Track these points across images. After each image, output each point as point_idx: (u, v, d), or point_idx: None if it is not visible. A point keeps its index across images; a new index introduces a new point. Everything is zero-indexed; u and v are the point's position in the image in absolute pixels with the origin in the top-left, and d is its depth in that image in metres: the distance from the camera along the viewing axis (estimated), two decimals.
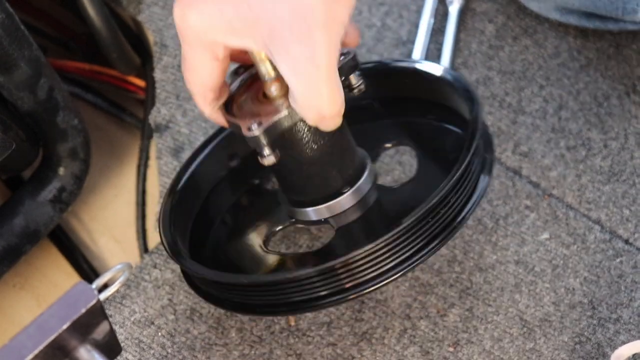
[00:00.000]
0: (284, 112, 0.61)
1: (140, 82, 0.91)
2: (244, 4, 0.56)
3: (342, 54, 0.62)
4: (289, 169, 0.66)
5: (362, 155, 0.69)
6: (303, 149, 0.64)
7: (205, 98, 0.63)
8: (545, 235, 0.78)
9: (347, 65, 0.63)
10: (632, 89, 0.84)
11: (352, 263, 0.62)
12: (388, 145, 0.77)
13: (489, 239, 0.78)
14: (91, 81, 0.94)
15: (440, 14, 0.89)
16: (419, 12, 0.89)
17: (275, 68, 0.60)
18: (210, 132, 0.84)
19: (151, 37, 0.90)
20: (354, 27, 0.64)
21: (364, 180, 0.68)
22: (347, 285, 0.63)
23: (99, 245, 0.90)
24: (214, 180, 0.75)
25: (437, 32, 0.88)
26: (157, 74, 0.87)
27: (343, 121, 0.62)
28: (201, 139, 0.84)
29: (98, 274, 0.86)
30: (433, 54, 0.87)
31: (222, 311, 0.76)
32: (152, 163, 0.87)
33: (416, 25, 0.88)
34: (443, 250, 0.77)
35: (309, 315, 0.74)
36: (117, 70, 0.91)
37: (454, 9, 0.89)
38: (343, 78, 0.62)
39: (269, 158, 0.61)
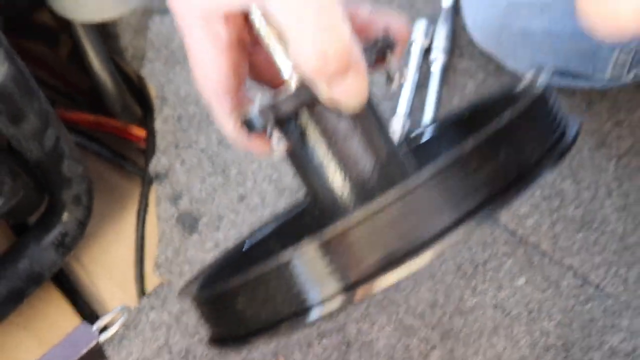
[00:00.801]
0: (297, 83, 0.46)
1: (142, 133, 0.91)
2: None
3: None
4: (306, 167, 0.48)
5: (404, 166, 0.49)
6: (324, 138, 0.47)
7: (220, 105, 0.50)
8: (522, 281, 0.78)
9: (382, 44, 0.47)
10: (602, 142, 0.85)
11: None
12: None
13: (469, 284, 0.78)
14: (95, 131, 0.93)
15: (424, 70, 0.90)
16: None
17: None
18: (207, 180, 0.84)
19: (152, 90, 0.90)
20: (400, 19, 0.50)
21: None
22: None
23: (99, 287, 0.88)
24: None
25: (421, 87, 0.89)
26: (158, 125, 0.88)
27: (375, 112, 0.47)
28: (198, 187, 0.84)
29: (98, 315, 0.84)
30: (417, 107, 0.88)
31: (216, 352, 0.75)
32: (152, 209, 0.87)
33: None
34: (425, 294, 0.77)
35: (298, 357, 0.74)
36: (120, 121, 0.90)
37: (437, 66, 0.90)
38: (375, 57, 0.47)
39: (278, 145, 0.46)
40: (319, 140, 0.47)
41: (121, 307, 0.54)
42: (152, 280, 0.83)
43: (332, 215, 0.47)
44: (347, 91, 0.45)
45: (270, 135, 0.46)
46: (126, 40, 0.92)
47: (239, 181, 0.85)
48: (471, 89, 0.89)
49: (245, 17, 0.49)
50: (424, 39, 0.91)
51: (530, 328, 0.76)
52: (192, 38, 0.49)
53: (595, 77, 0.83)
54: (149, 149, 0.88)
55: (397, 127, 0.86)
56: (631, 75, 0.84)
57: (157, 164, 0.86)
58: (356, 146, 0.46)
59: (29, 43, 0.96)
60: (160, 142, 0.87)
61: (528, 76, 0.51)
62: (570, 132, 0.46)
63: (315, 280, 0.41)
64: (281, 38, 0.46)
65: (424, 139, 0.60)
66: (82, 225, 0.81)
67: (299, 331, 0.45)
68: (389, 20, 0.50)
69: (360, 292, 0.40)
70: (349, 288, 0.41)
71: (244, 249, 0.60)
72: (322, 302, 0.41)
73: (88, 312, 0.86)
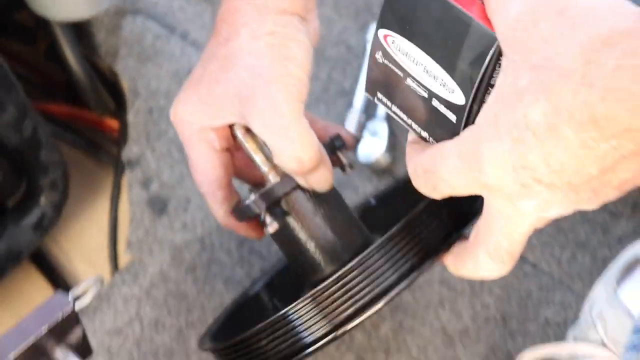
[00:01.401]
0: (277, 179, 0.57)
1: (115, 124, 0.92)
2: (214, 82, 0.56)
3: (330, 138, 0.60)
4: (291, 242, 0.60)
5: (367, 236, 0.62)
6: (301, 219, 0.58)
7: (214, 197, 0.59)
8: None
9: (334, 143, 0.60)
10: None
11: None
12: None
13: None
14: (71, 122, 0.94)
15: None
16: (359, 67, 0.91)
17: (269, 158, 0.57)
18: (176, 167, 0.86)
19: (125, 84, 0.91)
20: (346, 130, 0.63)
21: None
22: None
23: (75, 266, 0.89)
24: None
25: None
26: (130, 117, 0.89)
27: (338, 194, 0.59)
28: (167, 173, 0.85)
29: None
30: (372, 103, 0.90)
31: (184, 322, 0.77)
32: (124, 195, 0.88)
33: (357, 79, 0.90)
34: None
35: None
36: (94, 113, 0.91)
37: None
38: (330, 153, 0.59)
39: (271, 225, 0.57)
40: (298, 219, 0.58)
41: (94, 278, 0.56)
42: (124, 260, 0.84)
43: (311, 274, 0.60)
44: (318, 180, 0.56)
45: (264, 219, 0.57)
46: (100, 37, 0.93)
47: None
48: None
49: (231, 129, 0.58)
50: (380, 12, 0.93)
51: (472, 302, 0.78)
52: (191, 146, 0.59)
53: None
54: (121, 138, 0.89)
55: (352, 120, 0.88)
56: None
57: (129, 152, 0.87)
58: (325, 221, 0.59)
59: (8, 41, 0.97)
60: (132, 132, 0.88)
61: None
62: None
63: (309, 324, 0.54)
64: (259, 147, 0.58)
65: (371, 204, 0.74)
66: (58, 209, 0.83)
67: None
68: (338, 129, 0.62)
69: (340, 332, 0.54)
70: (333, 329, 0.54)
71: (244, 301, 0.71)
72: (317, 340, 0.54)
73: (65, 289, 0.87)
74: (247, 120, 0.56)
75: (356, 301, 0.53)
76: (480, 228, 0.47)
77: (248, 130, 0.58)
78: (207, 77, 0.57)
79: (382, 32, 0.47)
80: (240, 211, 0.59)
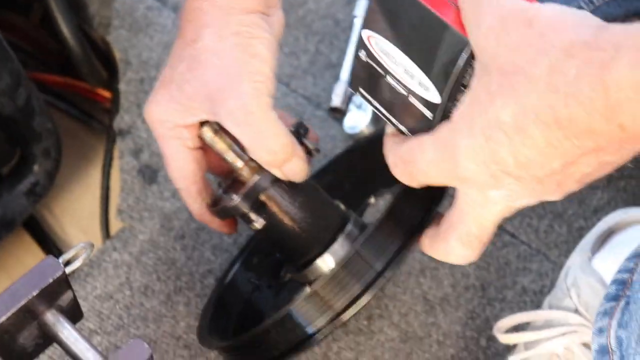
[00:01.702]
0: (256, 177, 0.59)
1: (107, 93, 0.92)
2: (183, 82, 0.57)
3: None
4: (277, 232, 0.62)
5: (343, 213, 0.64)
6: (283, 210, 0.60)
7: (189, 192, 0.61)
8: None
9: (298, 131, 0.62)
10: None
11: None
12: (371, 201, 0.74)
13: None
14: (64, 92, 0.94)
15: None
16: (346, 40, 0.91)
17: (240, 155, 0.59)
18: None
19: (117, 54, 0.90)
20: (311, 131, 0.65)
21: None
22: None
23: (68, 233, 0.89)
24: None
25: None
26: (122, 87, 0.89)
27: (314, 182, 0.61)
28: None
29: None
30: None
31: (172, 288, 0.78)
32: (115, 163, 0.88)
33: (344, 51, 0.90)
34: None
35: None
36: (87, 82, 0.91)
37: None
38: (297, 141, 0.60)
39: (258, 222, 0.59)
40: (279, 210, 0.60)
41: (84, 243, 0.56)
42: (116, 227, 0.85)
43: (295, 259, 0.62)
44: (294, 170, 0.58)
45: (249, 218, 0.59)
46: (93, 9, 0.92)
47: None
48: None
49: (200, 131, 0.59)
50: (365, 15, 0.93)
51: (452, 270, 0.79)
52: (164, 144, 0.60)
53: None
54: (113, 108, 0.89)
55: (339, 92, 0.88)
56: None
57: (121, 121, 0.87)
58: (303, 208, 0.60)
59: (3, 11, 0.96)
60: (124, 102, 0.88)
61: None
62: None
63: (311, 318, 0.56)
64: (228, 146, 0.59)
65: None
66: (51, 176, 0.83)
67: (308, 351, 0.61)
68: (297, 119, 0.63)
69: (337, 323, 0.56)
70: (332, 320, 0.56)
71: (226, 282, 0.72)
72: (319, 329, 0.56)
73: (57, 255, 0.87)
74: (218, 119, 0.57)
75: (351, 291, 0.56)
76: (452, 216, 0.50)
77: (216, 132, 0.59)
78: (177, 78, 0.58)
79: (366, 32, 0.49)
80: (224, 211, 0.60)
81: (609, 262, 0.69)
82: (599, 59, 0.39)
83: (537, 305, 0.78)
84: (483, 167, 0.45)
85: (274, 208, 0.60)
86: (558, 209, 0.82)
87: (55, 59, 0.96)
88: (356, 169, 0.75)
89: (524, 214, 0.82)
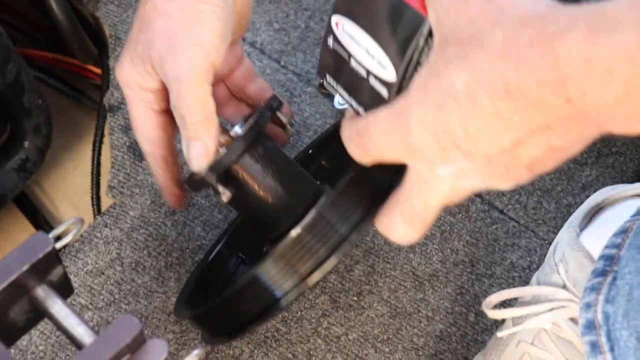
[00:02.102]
0: (223, 150, 0.58)
1: (97, 70, 0.91)
2: (137, 43, 0.57)
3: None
4: (249, 205, 0.61)
5: (317, 186, 0.63)
6: (254, 181, 0.60)
7: (154, 156, 0.61)
8: None
9: (271, 105, 0.62)
10: None
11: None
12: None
13: None
14: (54, 68, 0.93)
15: None
16: None
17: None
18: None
19: (107, 30, 0.89)
20: (286, 106, 0.65)
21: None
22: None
23: (59, 210, 0.89)
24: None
25: None
26: (112, 63, 0.88)
27: (283, 153, 0.61)
28: None
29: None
30: None
31: (163, 264, 0.78)
32: (106, 140, 0.87)
33: None
34: None
35: None
36: (77, 59, 0.90)
37: None
38: (270, 114, 0.61)
39: (224, 195, 0.58)
40: (250, 182, 0.59)
41: (74, 219, 0.55)
42: (107, 204, 0.84)
43: (269, 231, 0.61)
44: (193, 151, 0.57)
45: (216, 189, 0.58)
46: None
47: None
48: None
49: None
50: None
51: (442, 246, 0.79)
52: (131, 106, 0.60)
53: None
54: (103, 84, 0.88)
55: None
56: None
57: (111, 97, 0.86)
58: (275, 179, 0.60)
59: None
60: (114, 78, 0.86)
61: None
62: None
63: (277, 282, 0.56)
64: None
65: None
66: (42, 153, 0.82)
67: (275, 316, 0.58)
68: (273, 93, 0.65)
69: (303, 287, 0.55)
70: (297, 284, 0.56)
71: (208, 262, 0.72)
72: (286, 294, 0.56)
73: (48, 231, 0.87)
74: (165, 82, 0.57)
75: (316, 255, 0.55)
76: (400, 191, 0.49)
77: None
78: (133, 39, 0.58)
79: (335, 18, 0.50)
80: (193, 183, 0.59)
81: (597, 238, 0.68)
82: (552, 30, 0.39)
83: (526, 282, 0.78)
84: (433, 137, 0.44)
85: (244, 180, 0.59)
86: (547, 186, 0.82)
87: (45, 35, 0.95)
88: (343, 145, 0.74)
89: (512, 191, 0.82)
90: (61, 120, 0.89)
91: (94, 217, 0.85)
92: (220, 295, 0.58)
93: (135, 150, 0.84)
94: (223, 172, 0.58)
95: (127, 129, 0.85)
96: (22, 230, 0.88)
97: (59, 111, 0.90)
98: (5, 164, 0.81)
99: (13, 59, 0.76)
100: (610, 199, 0.72)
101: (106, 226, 0.79)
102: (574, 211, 0.75)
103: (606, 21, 0.37)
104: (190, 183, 0.60)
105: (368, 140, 0.48)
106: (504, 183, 0.45)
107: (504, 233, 0.80)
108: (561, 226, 0.75)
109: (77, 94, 0.94)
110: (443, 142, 0.43)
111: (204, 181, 0.58)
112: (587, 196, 0.75)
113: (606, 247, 0.61)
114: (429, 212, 0.48)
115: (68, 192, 0.90)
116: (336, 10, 0.50)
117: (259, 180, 0.60)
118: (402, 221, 0.49)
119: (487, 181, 0.45)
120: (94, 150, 0.88)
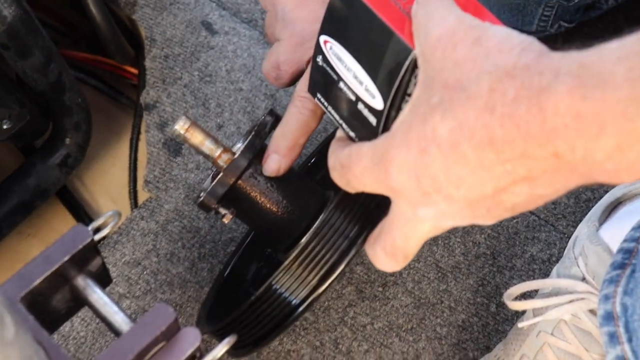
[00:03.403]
0: (221, 174, 0.57)
1: (134, 70, 0.91)
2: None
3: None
4: (255, 219, 0.60)
5: (323, 194, 0.62)
6: (260, 195, 0.59)
7: (297, 146, 0.58)
8: None
9: (266, 122, 0.60)
10: None
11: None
12: None
13: None
14: (93, 68, 0.93)
15: None
16: None
17: (214, 147, 0.57)
18: (190, 111, 0.86)
19: (143, 32, 0.90)
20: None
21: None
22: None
23: (99, 203, 0.90)
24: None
25: None
26: (147, 63, 0.88)
27: (293, 166, 0.60)
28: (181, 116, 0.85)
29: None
30: None
31: (197, 255, 0.78)
32: (142, 137, 0.88)
33: None
34: None
35: None
36: (115, 59, 0.90)
37: None
38: (267, 130, 0.60)
39: (225, 217, 0.58)
40: (254, 197, 0.58)
41: (113, 212, 0.56)
42: (143, 197, 0.85)
43: (279, 243, 0.60)
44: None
45: (218, 213, 0.57)
46: None
47: (218, 112, 0.86)
48: None
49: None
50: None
51: (464, 239, 0.79)
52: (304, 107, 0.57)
53: (523, 30, 0.85)
54: (140, 83, 0.89)
55: None
56: (555, 26, 0.86)
57: (147, 96, 0.87)
58: (279, 193, 0.58)
59: None
60: (150, 77, 0.88)
61: None
62: None
63: (292, 291, 0.55)
64: (204, 138, 0.57)
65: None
66: (82, 149, 0.83)
67: (295, 322, 0.57)
68: None
69: (318, 292, 0.55)
70: (311, 292, 0.55)
71: (225, 275, 0.71)
72: (302, 302, 0.55)
73: (87, 224, 0.88)
74: None
75: (322, 266, 0.55)
76: (385, 222, 0.48)
77: (187, 128, 0.57)
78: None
79: (323, 37, 0.48)
80: (203, 206, 0.59)
81: (616, 232, 0.68)
82: (537, 82, 0.36)
83: (545, 274, 0.78)
84: (414, 181, 0.42)
85: (248, 196, 0.58)
86: None
87: (85, 37, 0.96)
88: None
89: None
90: (100, 118, 0.89)
91: (131, 210, 0.85)
92: (237, 309, 0.57)
93: (170, 147, 0.84)
94: (223, 194, 0.57)
95: (162, 126, 0.85)
96: (64, 223, 0.89)
97: (98, 110, 0.90)
98: (48, 160, 0.81)
99: (55, 60, 0.76)
100: (629, 194, 0.71)
101: (142, 219, 0.80)
102: (593, 206, 0.74)
103: (594, 76, 0.35)
104: (200, 206, 0.59)
105: (350, 174, 0.46)
106: (485, 222, 0.43)
107: (525, 227, 0.80)
108: (580, 220, 0.74)
109: (115, 93, 0.94)
110: (424, 187, 0.42)
111: (208, 205, 0.57)
112: (606, 191, 0.74)
113: (625, 240, 0.60)
114: (410, 248, 0.47)
115: (107, 186, 0.90)
116: (323, 30, 0.47)
117: (263, 195, 0.58)
118: (385, 254, 0.48)
119: (468, 220, 0.43)
120: (131, 146, 0.89)
